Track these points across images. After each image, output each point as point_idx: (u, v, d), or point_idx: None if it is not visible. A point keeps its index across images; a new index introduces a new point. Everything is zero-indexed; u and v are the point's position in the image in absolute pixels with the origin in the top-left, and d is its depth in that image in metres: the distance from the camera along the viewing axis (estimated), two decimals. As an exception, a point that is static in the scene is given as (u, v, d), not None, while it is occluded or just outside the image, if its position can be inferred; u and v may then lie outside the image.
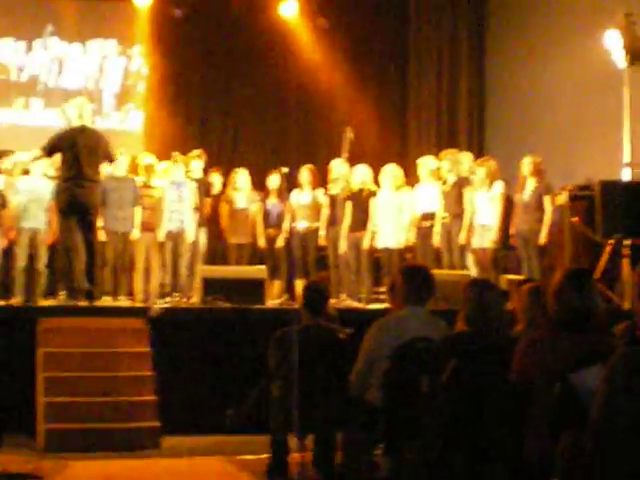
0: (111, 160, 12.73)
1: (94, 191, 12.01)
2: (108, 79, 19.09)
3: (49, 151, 12.26)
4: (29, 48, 18.77)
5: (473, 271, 13.04)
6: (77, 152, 11.76)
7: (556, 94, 15.34)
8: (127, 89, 19.06)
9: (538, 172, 13.09)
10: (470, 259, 13.41)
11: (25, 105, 18.77)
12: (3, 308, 12.53)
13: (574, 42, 14.69)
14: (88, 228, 12.03)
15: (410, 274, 7.35)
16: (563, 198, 13.05)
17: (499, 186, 13.31)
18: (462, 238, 13.37)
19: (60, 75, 18.97)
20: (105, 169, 13.30)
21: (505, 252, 13.75)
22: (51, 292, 13.45)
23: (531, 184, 13.06)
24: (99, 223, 13.09)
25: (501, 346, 5.99)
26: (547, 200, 12.96)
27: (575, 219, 12.91)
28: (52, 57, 18.92)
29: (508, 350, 5.71)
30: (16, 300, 13.30)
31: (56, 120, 17.56)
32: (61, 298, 12.57)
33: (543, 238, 12.91)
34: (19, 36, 18.64)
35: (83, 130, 12.01)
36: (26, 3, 18.66)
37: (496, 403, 5.49)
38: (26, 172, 14.08)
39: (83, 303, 11.84)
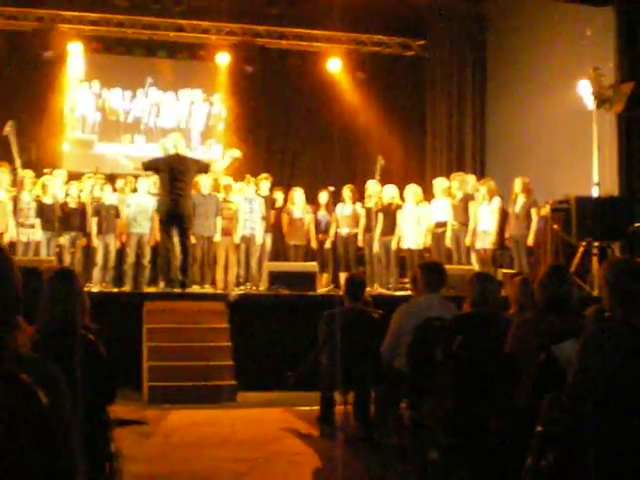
0: (206, 171, 12.67)
1: (187, 204, 12.04)
2: (195, 120, 19.03)
3: (146, 167, 12.34)
4: (133, 96, 18.82)
5: (476, 266, 12.96)
6: (173, 174, 11.80)
7: (540, 129, 15.27)
8: (210, 128, 18.95)
9: (527, 190, 13.02)
10: (474, 257, 13.35)
11: (131, 141, 18.78)
12: (118, 294, 12.65)
13: (554, 89, 14.62)
14: (183, 233, 12.06)
15: (427, 268, 7.35)
16: (546, 210, 12.94)
17: (497, 201, 13.25)
18: (468, 241, 13.32)
19: (158, 117, 19.03)
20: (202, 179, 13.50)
21: (501, 252, 13.68)
22: (153, 282, 13.53)
23: (521, 199, 12.98)
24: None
25: (498, 324, 5.97)
26: (534, 212, 12.90)
27: (555, 226, 12.80)
28: (151, 103, 18.96)
29: (504, 328, 5.70)
30: (127, 288, 13.43)
31: (155, 152, 17.87)
32: (161, 286, 12.63)
33: (530, 241, 12.85)
34: (125, 87, 18.67)
35: (177, 157, 12.04)
36: (131, 61, 18.68)
37: (494, 369, 5.46)
38: (134, 190, 14.19)
39: (178, 290, 11.89)
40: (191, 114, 19.09)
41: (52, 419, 2.20)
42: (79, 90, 18.30)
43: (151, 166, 12.28)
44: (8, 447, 2.11)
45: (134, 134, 18.90)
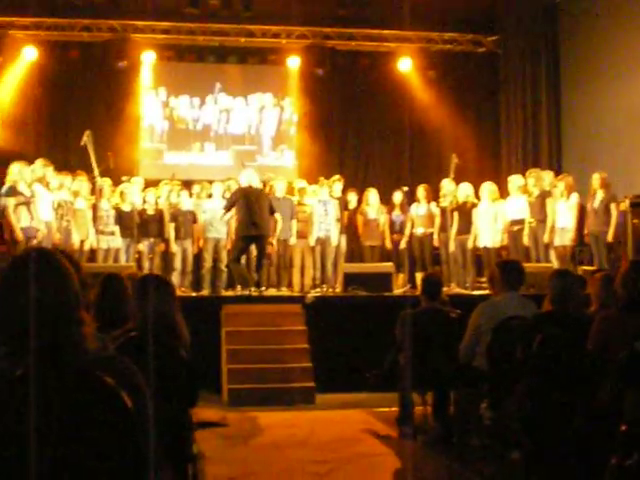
0: (271, 213, 12.92)
1: (265, 226, 12.36)
2: (266, 125, 18.99)
3: (227, 208, 12.73)
4: (202, 103, 18.83)
5: (555, 264, 12.79)
6: (249, 200, 12.06)
7: (618, 122, 14.99)
8: (281, 133, 18.97)
9: (605, 185, 12.80)
10: (552, 254, 13.17)
11: (200, 149, 18.78)
12: (196, 298, 12.79)
13: (631, 80, 14.38)
14: (261, 249, 12.31)
15: (505, 267, 7.29)
16: (625, 204, 12.70)
17: (575, 197, 13.06)
18: (546, 238, 13.15)
19: (227, 123, 18.96)
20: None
21: (580, 248, 13.47)
22: (230, 285, 13.63)
23: (600, 194, 12.76)
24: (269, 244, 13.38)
25: (579, 322, 5.89)
26: (613, 207, 12.65)
27: (636, 221, 12.56)
28: (221, 109, 18.92)
29: (585, 326, 5.62)
30: (205, 292, 13.57)
31: (224, 160, 18.38)
32: (238, 290, 12.72)
33: (610, 237, 12.61)
34: (195, 94, 18.73)
35: (252, 190, 12.33)
36: (202, 68, 18.79)
37: (575, 367, 5.40)
38: (210, 196, 14.33)
39: (254, 293, 11.97)
40: (262, 119, 19.04)
41: (135, 422, 2.24)
42: (150, 99, 18.53)
43: (230, 204, 12.66)
44: (91, 449, 2.15)
45: (204, 142, 18.89)
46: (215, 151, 18.91)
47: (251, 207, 12.20)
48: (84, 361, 2.26)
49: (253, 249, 12.90)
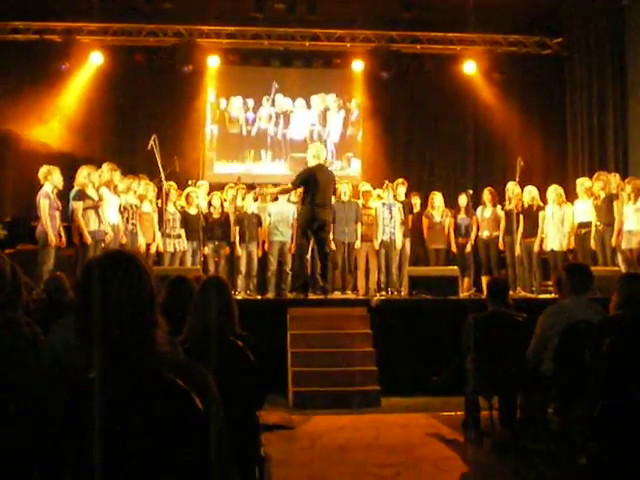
0: (335, 194, 12.86)
1: (327, 212, 12.12)
2: (330, 130, 18.96)
3: (296, 186, 12.39)
4: (259, 105, 18.76)
5: (622, 267, 12.61)
6: (316, 184, 11.86)
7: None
8: (346, 139, 18.98)
9: (674, 187, 12.62)
10: (620, 258, 12.99)
11: (255, 157, 18.59)
12: (261, 301, 12.86)
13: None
14: (322, 240, 12.16)
15: (573, 270, 7.23)
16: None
17: (642, 200, 12.89)
18: (613, 241, 12.98)
19: (286, 128, 18.81)
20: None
21: (649, 251, 13.27)
22: (295, 288, 13.67)
23: (669, 196, 12.59)
24: (330, 236, 13.36)
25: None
26: (681, 209, 12.49)
27: None
28: (281, 111, 18.82)
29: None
30: (270, 295, 13.64)
31: (281, 169, 18.28)
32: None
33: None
34: (258, 98, 18.77)
35: (320, 167, 12.08)
36: (266, 72, 18.81)
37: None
38: (275, 199, 14.39)
39: (319, 296, 12.00)
40: (325, 123, 18.96)
41: (206, 424, 2.27)
42: (211, 103, 18.68)
43: (300, 183, 12.30)
44: (163, 450, 2.19)
45: (259, 149, 18.62)
46: (271, 161, 18.59)
47: (316, 192, 11.93)
48: (157, 364, 2.29)
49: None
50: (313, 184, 11.88)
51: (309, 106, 19.03)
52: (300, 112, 18.93)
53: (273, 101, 18.90)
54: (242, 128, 18.83)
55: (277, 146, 18.75)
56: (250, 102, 18.87)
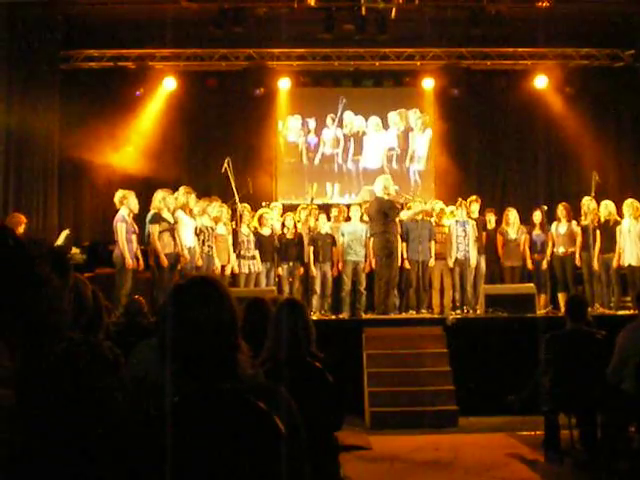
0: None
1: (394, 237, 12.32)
2: (413, 153, 18.21)
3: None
4: (321, 125, 17.96)
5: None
6: (385, 217, 12.13)
7: None
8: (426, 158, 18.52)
9: None
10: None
11: (320, 192, 16.56)
12: (336, 321, 12.90)
13: None
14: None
15: (652, 287, 7.13)
16: None
17: None
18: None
19: (359, 155, 17.68)
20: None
21: None
22: (370, 308, 13.68)
23: None
24: (404, 254, 13.38)
25: None
26: None
27: None
28: (347, 133, 17.89)
29: None
30: (345, 315, 13.65)
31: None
32: (377, 313, 12.76)
33: None
34: (323, 120, 18.16)
35: (386, 201, 12.35)
36: (336, 92, 18.48)
37: None
38: (348, 219, 14.44)
39: (395, 316, 12.00)
40: (407, 146, 18.06)
41: (288, 446, 2.29)
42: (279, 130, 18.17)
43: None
44: (246, 473, 2.22)
45: (324, 181, 17.24)
46: (340, 195, 17.24)
47: (387, 223, 12.33)
48: (240, 387, 2.33)
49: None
50: (383, 216, 12.25)
51: (386, 126, 18.34)
52: (374, 133, 18.15)
53: (341, 121, 18.23)
54: (302, 155, 17.86)
55: (347, 177, 17.63)
56: (311, 123, 18.14)
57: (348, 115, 18.17)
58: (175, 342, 2.33)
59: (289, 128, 18.07)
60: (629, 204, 13.57)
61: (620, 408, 6.95)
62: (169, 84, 17.60)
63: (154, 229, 12.05)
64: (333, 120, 18.07)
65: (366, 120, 18.27)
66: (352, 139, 17.94)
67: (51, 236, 14.41)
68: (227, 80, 18.16)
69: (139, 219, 12.41)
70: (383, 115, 18.39)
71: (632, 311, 11.39)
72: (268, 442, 2.26)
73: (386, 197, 12.78)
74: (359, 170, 17.54)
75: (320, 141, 18.05)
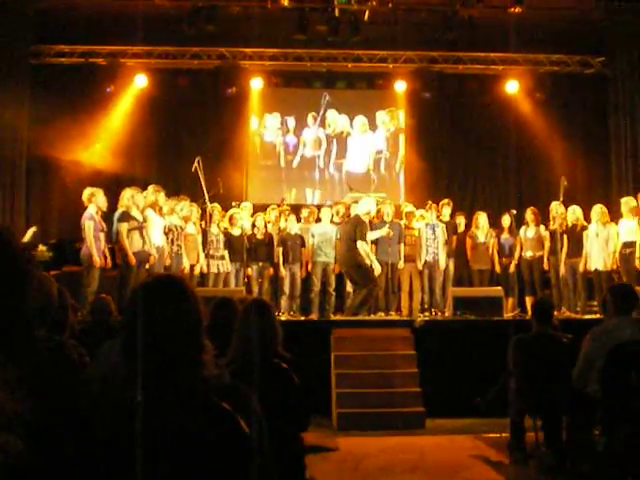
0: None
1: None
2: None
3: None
4: (301, 125, 17.55)
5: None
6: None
7: None
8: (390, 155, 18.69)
9: None
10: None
11: (298, 199, 16.78)
12: (305, 322, 12.89)
13: None
14: None
15: (617, 291, 7.20)
16: None
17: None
18: (657, 261, 12.89)
19: (342, 158, 17.16)
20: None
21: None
22: (339, 309, 13.70)
23: None
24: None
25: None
26: None
27: None
28: (330, 133, 17.60)
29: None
30: (314, 316, 13.67)
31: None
32: (345, 314, 12.79)
33: None
34: (301, 120, 17.98)
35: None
36: (309, 94, 18.52)
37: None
38: (318, 220, 14.45)
39: (364, 317, 12.01)
40: (397, 150, 17.94)
41: (252, 447, 2.29)
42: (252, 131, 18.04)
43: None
44: (209, 474, 2.21)
45: (304, 187, 16.86)
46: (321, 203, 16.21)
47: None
48: (203, 387, 2.32)
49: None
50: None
51: (373, 126, 18.03)
52: (360, 135, 17.71)
53: (323, 120, 17.84)
54: (279, 157, 17.36)
55: (329, 183, 16.94)
56: (290, 121, 17.75)
57: (332, 114, 17.69)
58: (139, 341, 2.32)
59: (266, 127, 17.71)
60: (597, 209, 13.69)
61: (585, 411, 6.99)
62: (140, 81, 17.54)
63: (122, 227, 11.99)
64: (315, 119, 17.60)
65: (351, 120, 17.89)
66: (335, 140, 17.30)
67: (18, 233, 14.30)
68: (199, 79, 18.15)
69: (107, 217, 12.34)
70: (372, 113, 18.06)
71: (598, 315, 11.51)
72: (231, 443, 2.26)
73: (365, 220, 12.67)
74: (342, 174, 16.79)
75: (300, 142, 17.51)
